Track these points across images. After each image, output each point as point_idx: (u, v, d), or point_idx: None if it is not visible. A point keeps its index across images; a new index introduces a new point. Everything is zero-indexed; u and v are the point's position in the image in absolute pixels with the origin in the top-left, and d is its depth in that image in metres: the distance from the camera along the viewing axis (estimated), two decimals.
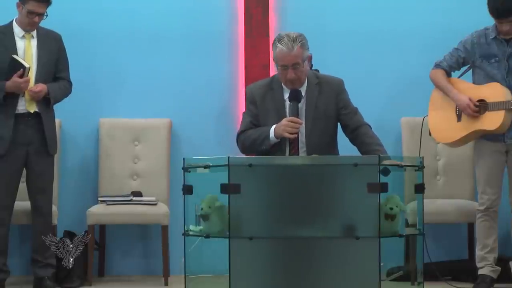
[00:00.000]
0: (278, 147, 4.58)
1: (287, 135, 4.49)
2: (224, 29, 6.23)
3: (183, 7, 6.23)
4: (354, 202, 3.89)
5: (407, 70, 6.19)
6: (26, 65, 5.25)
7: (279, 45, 4.54)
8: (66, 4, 6.05)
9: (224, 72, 6.21)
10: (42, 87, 5.31)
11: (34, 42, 5.40)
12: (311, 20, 6.14)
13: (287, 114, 4.59)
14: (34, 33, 5.41)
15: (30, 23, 5.34)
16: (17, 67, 5.25)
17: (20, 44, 5.38)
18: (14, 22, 5.41)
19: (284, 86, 4.65)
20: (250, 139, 4.64)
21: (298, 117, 4.54)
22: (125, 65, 6.19)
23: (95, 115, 6.10)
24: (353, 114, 4.67)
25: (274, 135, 4.54)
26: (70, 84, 5.57)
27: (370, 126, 4.68)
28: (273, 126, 4.56)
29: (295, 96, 4.58)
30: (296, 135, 4.52)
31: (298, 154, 4.56)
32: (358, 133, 4.64)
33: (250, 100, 4.75)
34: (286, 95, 4.63)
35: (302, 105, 4.62)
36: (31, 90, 5.28)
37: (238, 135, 4.72)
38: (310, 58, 4.65)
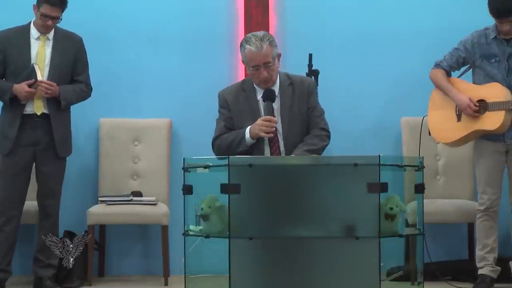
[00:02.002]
0: (256, 147, 4.58)
1: (263, 134, 4.49)
2: (224, 30, 6.23)
3: (183, 8, 6.23)
4: (354, 202, 3.89)
5: (407, 70, 6.19)
6: (39, 78, 5.26)
7: (247, 46, 4.53)
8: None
9: (224, 72, 6.21)
10: (55, 85, 5.31)
11: (49, 44, 5.41)
12: (311, 20, 6.15)
13: (262, 114, 4.58)
14: (51, 35, 5.42)
15: (44, 26, 5.35)
16: (32, 77, 5.26)
17: (34, 45, 5.39)
18: (31, 24, 5.43)
19: (256, 87, 4.64)
20: (226, 142, 4.61)
21: (273, 116, 4.54)
22: (125, 65, 6.19)
23: (95, 115, 6.10)
24: (316, 117, 4.66)
25: (250, 136, 4.53)
26: (88, 87, 5.56)
27: (325, 130, 4.65)
28: (248, 127, 4.55)
29: (269, 96, 4.58)
30: (272, 134, 4.52)
31: (279, 154, 4.55)
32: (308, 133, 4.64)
33: (221, 104, 4.73)
34: (259, 96, 4.63)
35: (276, 105, 4.63)
36: (41, 81, 5.25)
37: (213, 140, 4.68)
38: (279, 56, 4.65)
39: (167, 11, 6.22)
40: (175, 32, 6.22)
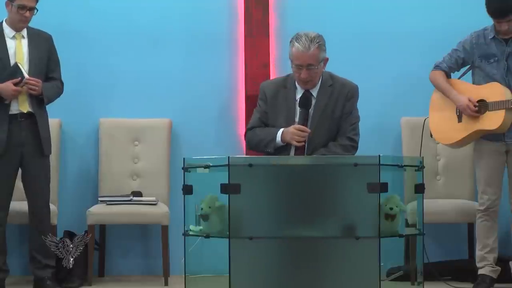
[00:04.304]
0: (283, 150, 4.57)
1: (294, 143, 4.49)
2: (224, 29, 6.22)
3: (183, 7, 6.22)
4: (354, 202, 3.89)
5: (407, 71, 6.19)
6: (26, 77, 5.24)
7: (296, 43, 4.50)
8: (67, 4, 6.06)
9: (224, 72, 6.21)
10: (40, 82, 5.29)
11: (24, 42, 5.37)
12: (311, 20, 6.13)
13: (297, 116, 4.56)
14: (25, 33, 5.38)
15: (22, 19, 5.30)
16: (16, 75, 5.23)
17: (10, 44, 5.34)
18: (4, 23, 5.38)
19: (297, 86, 4.63)
20: (257, 138, 4.63)
21: (306, 125, 4.52)
22: (125, 65, 6.18)
23: (95, 115, 6.10)
24: (348, 124, 4.64)
25: (281, 140, 4.53)
26: (62, 84, 5.53)
27: (352, 141, 4.62)
28: (281, 130, 4.54)
29: (305, 103, 4.56)
30: (303, 143, 4.50)
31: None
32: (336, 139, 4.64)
33: (260, 97, 4.74)
34: (299, 95, 4.61)
35: (311, 107, 4.60)
36: (29, 79, 5.23)
37: (246, 131, 4.73)
38: (326, 61, 4.60)
39: (167, 11, 6.22)
40: (175, 32, 6.22)
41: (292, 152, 4.57)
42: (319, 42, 4.51)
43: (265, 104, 4.69)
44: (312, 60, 4.50)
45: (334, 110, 4.62)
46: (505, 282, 5.41)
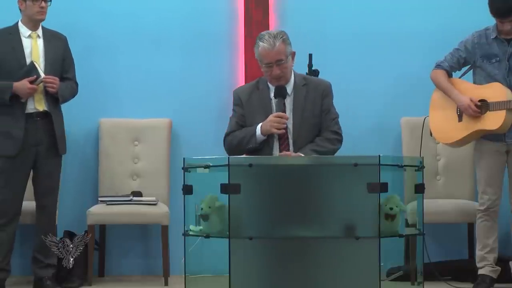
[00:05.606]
0: (265, 145, 4.58)
1: (274, 130, 4.50)
2: (224, 30, 6.23)
3: (183, 8, 6.23)
4: (354, 202, 3.89)
5: (407, 70, 6.19)
6: (42, 75, 5.26)
7: (260, 43, 4.54)
8: (67, 4, 6.06)
9: (224, 72, 6.21)
10: (58, 80, 5.33)
11: (40, 41, 5.41)
12: (311, 21, 6.15)
13: (274, 111, 4.59)
14: (40, 33, 5.42)
15: (39, 10, 5.34)
16: (32, 74, 5.26)
17: (26, 43, 5.38)
18: (19, 23, 5.42)
19: (270, 85, 4.65)
20: (237, 138, 4.63)
21: (284, 113, 4.55)
22: (125, 65, 6.19)
23: (95, 115, 6.10)
24: (329, 120, 4.67)
25: (261, 132, 4.54)
26: (77, 84, 5.58)
27: (337, 134, 4.66)
28: (260, 124, 4.56)
29: (280, 92, 4.59)
30: (283, 131, 4.52)
31: (288, 151, 4.56)
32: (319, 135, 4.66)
33: (235, 102, 4.76)
34: (272, 94, 4.64)
35: (289, 104, 4.63)
36: (47, 77, 5.26)
37: (225, 137, 4.72)
38: (293, 55, 4.65)
39: (167, 12, 6.22)
40: (175, 32, 6.22)
41: (276, 146, 4.58)
42: (282, 37, 4.56)
43: (241, 108, 4.70)
44: (280, 55, 4.54)
45: (313, 108, 4.64)
46: (505, 282, 5.41)
